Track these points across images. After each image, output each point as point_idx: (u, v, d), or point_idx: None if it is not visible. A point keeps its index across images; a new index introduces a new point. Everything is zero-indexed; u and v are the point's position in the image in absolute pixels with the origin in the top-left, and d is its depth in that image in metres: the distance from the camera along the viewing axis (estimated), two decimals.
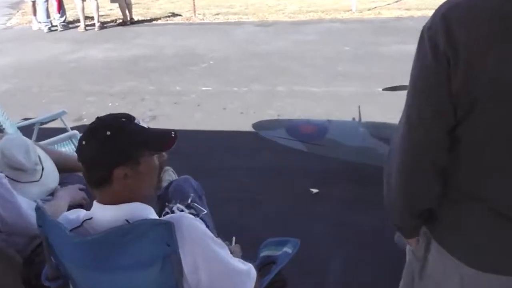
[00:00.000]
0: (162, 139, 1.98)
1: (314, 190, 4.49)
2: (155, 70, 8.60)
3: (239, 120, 6.28)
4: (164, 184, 2.87)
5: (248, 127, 5.56)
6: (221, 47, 9.83)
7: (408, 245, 1.83)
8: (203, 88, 7.57)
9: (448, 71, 1.35)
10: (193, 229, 1.85)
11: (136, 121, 1.93)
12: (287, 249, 2.39)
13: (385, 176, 1.72)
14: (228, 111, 6.66)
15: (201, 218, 2.55)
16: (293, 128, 4.69)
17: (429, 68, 1.39)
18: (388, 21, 11.18)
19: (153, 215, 1.95)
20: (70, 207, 2.70)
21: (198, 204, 2.62)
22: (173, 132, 1.99)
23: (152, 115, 6.64)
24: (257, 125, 4.77)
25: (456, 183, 1.52)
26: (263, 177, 4.83)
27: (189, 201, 2.59)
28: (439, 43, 1.35)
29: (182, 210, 2.52)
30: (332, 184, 4.59)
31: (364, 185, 4.53)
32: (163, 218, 1.91)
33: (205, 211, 2.59)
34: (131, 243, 1.77)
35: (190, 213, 2.53)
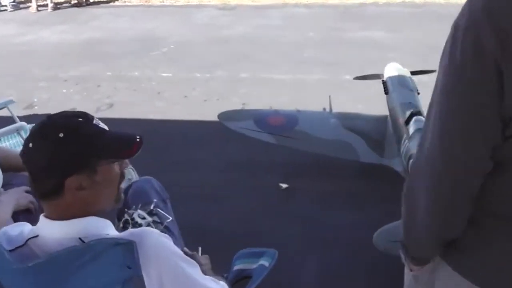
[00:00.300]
0: (125, 144, 1.68)
1: (284, 185, 4.26)
2: (112, 54, 8.18)
3: (202, 108, 5.98)
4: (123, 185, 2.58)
5: (212, 116, 5.25)
6: (182, 31, 9.47)
7: (411, 270, 1.59)
8: (164, 75, 7.22)
9: (499, 83, 1.05)
10: (159, 248, 1.59)
11: (94, 121, 1.63)
12: (264, 262, 2.15)
13: (405, 211, 1.46)
14: (191, 99, 6.35)
15: (166, 227, 2.28)
16: (261, 119, 4.43)
17: (474, 84, 1.08)
18: (353, 7, 11.01)
19: (111, 231, 1.67)
20: (15, 213, 2.39)
21: (162, 210, 2.34)
22: (138, 136, 1.70)
23: (109, 102, 6.27)
24: (223, 116, 4.49)
25: (484, 205, 1.29)
26: (229, 171, 4.56)
27: (151, 207, 2.31)
28: (486, 47, 1.04)
29: (144, 218, 2.24)
30: (302, 179, 4.37)
31: (337, 180, 4.34)
32: (123, 234, 1.63)
33: (170, 218, 2.31)
34: (86, 266, 1.50)
35: (154, 221, 2.26)
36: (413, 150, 3.77)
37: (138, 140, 1.70)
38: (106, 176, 1.62)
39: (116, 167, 1.66)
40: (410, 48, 8.01)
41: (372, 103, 5.63)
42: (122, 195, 1.74)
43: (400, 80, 4.59)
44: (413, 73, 4.81)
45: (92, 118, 1.63)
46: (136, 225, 2.23)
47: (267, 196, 4.16)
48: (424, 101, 4.48)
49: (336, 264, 3.36)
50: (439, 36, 7.00)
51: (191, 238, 3.35)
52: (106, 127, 1.66)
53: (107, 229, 1.66)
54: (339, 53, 7.83)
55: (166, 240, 1.64)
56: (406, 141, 3.90)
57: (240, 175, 4.48)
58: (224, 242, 3.51)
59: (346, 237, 3.61)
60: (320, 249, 3.51)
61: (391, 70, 4.82)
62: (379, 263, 3.24)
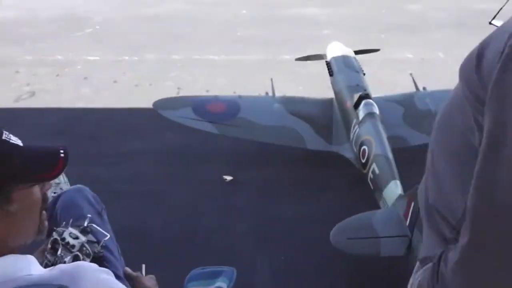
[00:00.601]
0: (46, 162, 1.34)
1: (228, 178, 3.98)
2: (31, 36, 7.54)
3: (134, 94, 5.58)
4: (50, 195, 2.22)
5: (145, 103, 4.89)
6: (106, 9, 8.89)
7: None
8: (89, 58, 6.71)
9: None
10: None
11: (4, 136, 1.28)
12: (221, 284, 1.86)
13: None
14: (121, 84, 5.91)
15: (103, 246, 1.96)
16: (200, 106, 4.11)
17: None
18: None
19: (35, 269, 1.32)
20: None
21: (98, 226, 2.00)
22: (62, 150, 1.36)
23: (30, 90, 5.73)
24: (159, 104, 4.13)
25: None
26: (167, 164, 4.21)
27: (85, 223, 1.97)
28: None
29: (76, 237, 1.90)
30: (248, 170, 4.09)
31: (284, 169, 4.10)
32: (50, 274, 1.30)
33: (108, 236, 1.98)
34: None
35: (88, 241, 1.92)
36: (364, 135, 3.59)
37: (62, 154, 1.36)
38: (24, 204, 1.28)
39: (36, 190, 1.33)
40: (346, 25, 7.87)
41: (313, 85, 5.44)
42: (46, 223, 1.40)
43: (345, 60, 4.39)
44: (357, 52, 4.62)
45: (1, 132, 1.28)
46: (67, 246, 1.89)
47: (211, 191, 3.87)
48: (369, 81, 4.35)
49: (290, 264, 3.13)
50: (374, 12, 6.97)
51: (129, 246, 3.03)
52: (19, 142, 1.31)
53: (30, 268, 1.31)
54: (274, 31, 7.57)
55: (106, 278, 1.33)
56: (356, 126, 3.71)
57: (179, 168, 4.15)
58: (167, 248, 3.23)
59: (298, 232, 3.39)
60: (272, 248, 3.26)
61: (335, 50, 4.61)
62: (335, 261, 3.03)
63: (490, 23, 4.39)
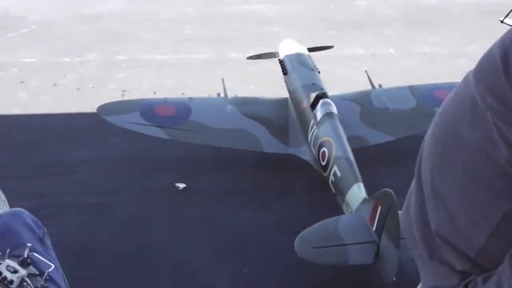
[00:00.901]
0: None
1: (181, 185, 3.77)
2: None
3: (75, 98, 5.28)
4: None
5: (88, 107, 4.65)
6: (42, 8, 8.49)
7: None
8: (26, 60, 6.33)
9: None
10: None
11: None
12: None
13: None
14: (61, 87, 5.59)
15: (47, 278, 1.72)
16: (148, 110, 3.88)
17: None
18: None
19: None
20: None
21: (40, 255, 1.76)
22: None
23: None
24: (103, 109, 3.87)
25: None
26: (114, 172, 3.96)
27: (25, 253, 1.73)
28: None
29: (15, 271, 1.66)
30: (201, 176, 3.89)
31: (240, 174, 3.92)
32: None
33: (53, 266, 1.74)
34: None
35: (30, 274, 1.68)
36: (323, 137, 3.46)
37: None
38: None
39: None
40: (295, 22, 7.78)
41: (265, 84, 5.31)
42: None
43: (298, 58, 4.24)
44: (310, 49, 4.49)
45: None
46: (4, 282, 1.65)
47: (163, 200, 3.64)
48: (322, 78, 4.22)
49: (253, 276, 2.95)
50: (322, 7, 6.88)
51: (77, 268, 2.81)
52: None
53: None
54: (222, 29, 7.39)
55: None
56: (315, 127, 3.57)
57: (128, 177, 3.91)
58: (119, 267, 2.99)
59: (260, 241, 3.22)
60: (233, 260, 3.07)
61: (287, 47, 4.46)
62: (302, 271, 2.88)
63: (501, 21, 4.31)
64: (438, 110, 1.05)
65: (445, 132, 0.99)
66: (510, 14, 4.58)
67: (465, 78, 0.95)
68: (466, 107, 0.91)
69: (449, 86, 4.21)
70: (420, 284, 1.14)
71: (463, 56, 6.12)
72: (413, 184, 1.10)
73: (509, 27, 0.91)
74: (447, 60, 6.04)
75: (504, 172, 0.84)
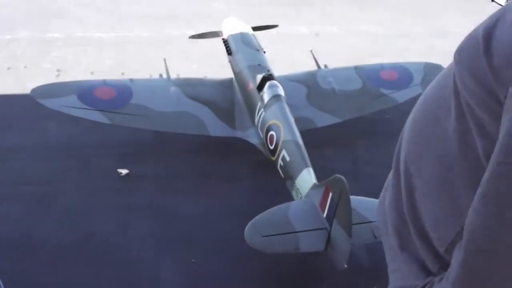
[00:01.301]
0: None
1: (123, 171, 3.62)
2: None
3: (6, 79, 4.96)
4: None
5: (20, 89, 4.40)
6: None
7: None
8: None
9: None
10: None
11: None
12: None
13: None
14: None
15: None
16: (86, 93, 3.69)
17: None
18: None
19: None
20: None
21: None
22: None
23: None
24: (38, 92, 3.65)
25: None
26: (52, 160, 3.75)
27: None
28: None
29: None
30: (145, 161, 3.76)
31: (186, 159, 3.81)
32: None
33: None
34: None
35: None
36: (271, 120, 3.39)
37: None
38: None
39: None
40: None
41: (208, 63, 5.17)
42: None
43: (243, 38, 4.13)
44: (254, 29, 4.38)
45: None
46: None
47: (105, 188, 3.50)
48: (268, 59, 4.13)
49: (202, 267, 2.86)
50: None
51: (15, 266, 2.66)
52: None
53: None
54: (161, 6, 7.12)
55: None
56: (262, 110, 3.49)
57: (67, 164, 3.71)
58: (61, 258, 2.86)
59: (208, 229, 3.14)
60: (180, 249, 2.98)
61: (231, 26, 4.34)
62: (252, 260, 2.81)
63: (492, 0, 4.28)
64: (421, 96, 0.98)
65: (423, 120, 0.93)
66: None
67: (451, 62, 0.88)
68: (446, 92, 0.85)
69: (394, 67, 4.22)
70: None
71: (408, 36, 6.16)
72: (390, 173, 1.03)
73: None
74: (392, 39, 6.05)
75: (478, 164, 0.78)
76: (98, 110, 3.60)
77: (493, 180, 0.74)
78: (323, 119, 3.80)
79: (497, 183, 0.74)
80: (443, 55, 5.06)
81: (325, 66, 4.28)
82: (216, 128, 3.67)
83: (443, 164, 0.87)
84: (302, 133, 3.34)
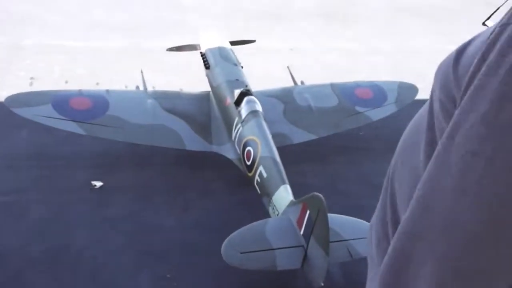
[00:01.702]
0: None
1: (97, 184, 3.59)
2: None
3: None
4: None
5: None
6: None
7: None
8: None
9: None
10: None
11: None
12: None
13: None
14: None
15: None
16: (62, 103, 3.66)
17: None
18: None
19: None
20: None
21: None
22: None
23: None
24: (11, 100, 3.60)
25: None
26: (23, 169, 3.69)
27: None
28: None
29: None
30: (120, 174, 3.74)
31: (161, 172, 3.80)
32: None
33: None
34: None
35: None
36: (248, 135, 3.40)
37: None
38: None
39: None
40: (210, 10, 7.61)
41: (184, 76, 5.16)
42: None
43: (221, 52, 4.15)
44: (233, 43, 4.41)
45: None
46: None
47: (78, 200, 3.45)
48: (248, 73, 4.15)
49: (177, 282, 2.85)
50: None
51: None
52: None
53: None
54: (134, 14, 7.10)
55: None
56: (239, 125, 3.51)
57: (39, 174, 3.66)
58: (32, 273, 2.80)
59: (183, 243, 3.13)
60: (156, 263, 2.96)
61: (209, 40, 4.36)
62: (229, 276, 2.81)
63: (483, 24, 4.38)
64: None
65: (410, 130, 0.96)
66: (491, 17, 4.73)
67: None
68: (427, 108, 0.88)
69: (369, 85, 4.29)
70: None
71: (379, 53, 6.27)
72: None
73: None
74: (364, 56, 6.15)
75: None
76: (73, 121, 3.57)
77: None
78: (299, 136, 3.83)
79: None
80: (415, 72, 5.21)
81: (302, 82, 4.32)
82: (192, 142, 3.67)
83: (412, 175, 0.88)
84: (278, 149, 3.36)
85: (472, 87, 0.72)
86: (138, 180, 3.69)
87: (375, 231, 1.02)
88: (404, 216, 0.79)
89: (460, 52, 0.82)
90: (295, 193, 2.94)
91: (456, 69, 0.80)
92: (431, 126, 0.84)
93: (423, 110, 0.92)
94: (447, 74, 0.82)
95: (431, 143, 0.83)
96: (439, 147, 0.74)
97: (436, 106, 0.83)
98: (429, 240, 0.74)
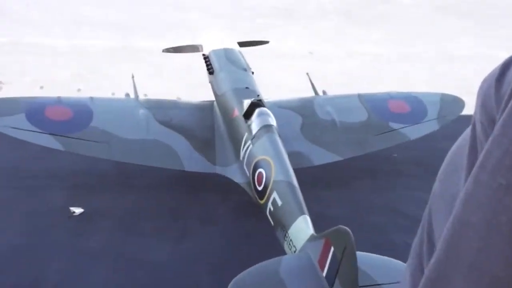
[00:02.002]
0: None
1: (77, 210, 3.53)
2: None
3: None
4: None
5: None
6: None
7: None
8: None
9: None
10: None
11: None
12: None
13: None
14: None
15: None
16: (37, 112, 3.63)
17: None
18: None
19: None
20: None
21: None
22: None
23: None
24: None
25: None
26: None
27: None
28: None
29: None
30: (103, 197, 3.69)
31: (152, 195, 3.75)
32: None
33: None
34: None
35: None
36: (260, 155, 3.32)
37: None
38: None
39: None
40: (214, 8, 7.64)
41: (182, 81, 5.16)
42: None
43: (228, 55, 4.09)
44: (242, 44, 4.36)
45: None
46: None
47: (55, 228, 3.39)
48: (258, 79, 4.10)
49: None
50: None
51: None
52: None
53: None
54: (127, 12, 7.15)
55: None
56: (249, 142, 3.42)
57: (9, 195, 3.63)
58: None
59: (177, 280, 3.06)
60: None
61: (213, 40, 4.31)
62: None
63: None
64: None
65: (452, 154, 0.99)
66: None
67: None
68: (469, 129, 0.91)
69: (405, 97, 4.22)
70: None
71: (412, 59, 6.23)
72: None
73: None
74: (395, 63, 6.12)
75: None
76: (49, 134, 3.53)
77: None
78: (320, 156, 3.75)
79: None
80: (457, 82, 5.16)
81: (324, 92, 4.25)
82: (192, 161, 3.60)
83: (450, 207, 0.89)
84: (295, 171, 3.28)
85: (509, 107, 0.74)
86: (124, 204, 3.64)
87: (411, 274, 1.04)
88: (432, 260, 0.84)
89: (506, 67, 0.83)
90: (315, 225, 2.86)
91: (500, 86, 0.82)
92: (473, 151, 0.86)
93: (466, 133, 0.94)
94: (489, 92, 0.84)
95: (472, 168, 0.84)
96: (469, 178, 0.78)
97: (478, 128, 0.86)
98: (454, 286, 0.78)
